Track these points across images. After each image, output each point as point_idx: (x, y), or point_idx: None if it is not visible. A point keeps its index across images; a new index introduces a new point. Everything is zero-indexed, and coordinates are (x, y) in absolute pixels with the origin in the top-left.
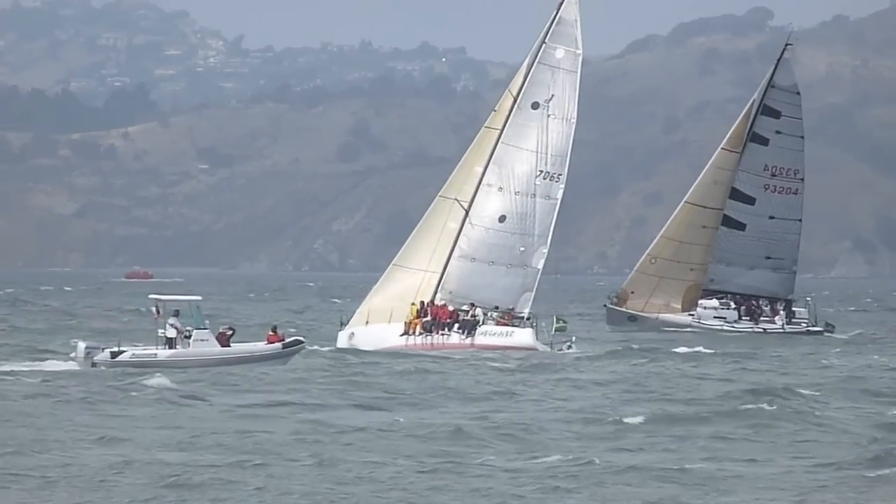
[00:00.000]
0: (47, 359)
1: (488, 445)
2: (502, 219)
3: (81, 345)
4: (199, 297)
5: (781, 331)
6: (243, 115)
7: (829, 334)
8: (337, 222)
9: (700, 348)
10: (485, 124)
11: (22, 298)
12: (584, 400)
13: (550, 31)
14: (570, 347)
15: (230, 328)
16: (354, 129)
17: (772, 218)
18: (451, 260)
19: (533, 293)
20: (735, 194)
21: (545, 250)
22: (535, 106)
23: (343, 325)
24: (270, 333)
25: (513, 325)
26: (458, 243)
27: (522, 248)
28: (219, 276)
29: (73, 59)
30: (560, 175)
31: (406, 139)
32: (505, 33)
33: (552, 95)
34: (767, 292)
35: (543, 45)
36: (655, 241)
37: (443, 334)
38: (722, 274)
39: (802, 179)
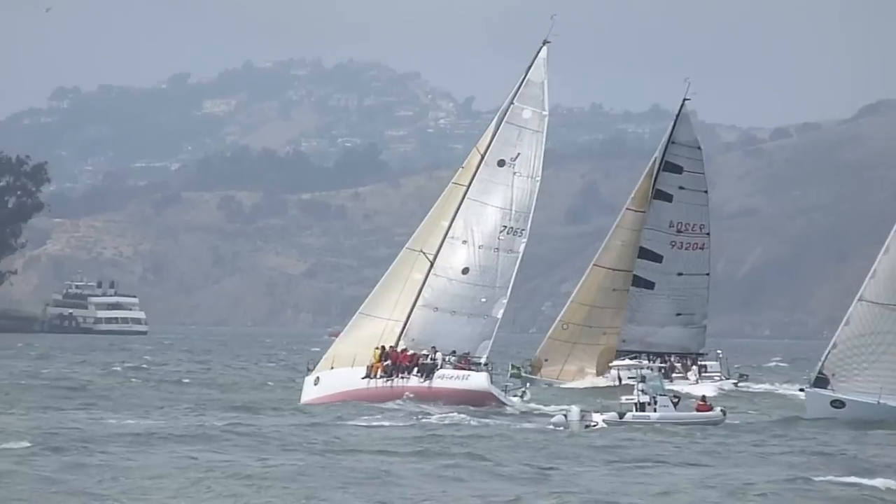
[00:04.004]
0: None
1: None
2: (465, 271)
3: (575, 409)
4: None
5: (695, 385)
6: None
7: (743, 384)
8: (566, 284)
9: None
10: (452, 180)
11: None
12: None
13: (518, 93)
14: (524, 395)
15: (676, 396)
16: (584, 190)
17: (680, 274)
18: (414, 309)
19: (491, 341)
20: (643, 253)
21: (505, 301)
22: (501, 163)
23: (310, 370)
24: (700, 402)
25: (469, 370)
26: (421, 293)
27: (484, 299)
28: None
29: (304, 119)
30: (523, 230)
31: None
32: (736, 96)
33: (518, 154)
34: (679, 348)
35: (511, 105)
36: (566, 306)
37: (402, 377)
38: (633, 334)
39: (708, 234)
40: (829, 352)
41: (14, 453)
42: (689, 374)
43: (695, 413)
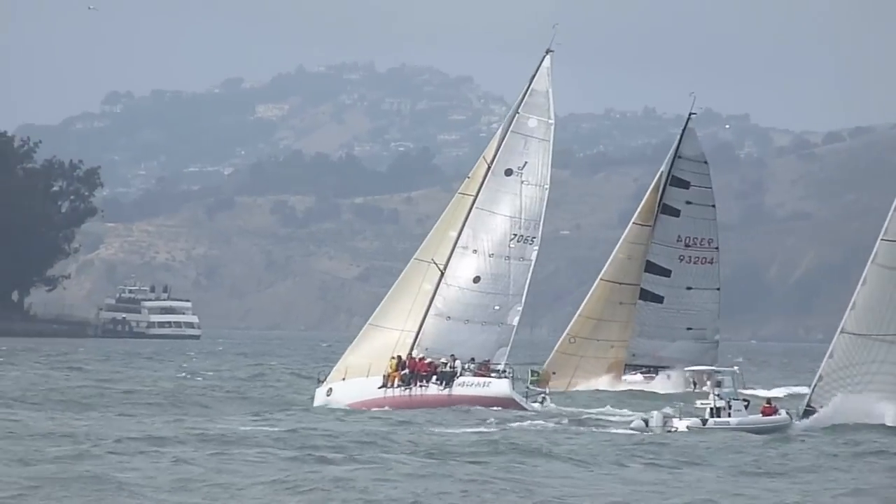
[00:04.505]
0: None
1: None
2: (477, 279)
3: (657, 414)
4: (736, 369)
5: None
6: None
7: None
8: None
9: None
10: (458, 191)
11: None
12: None
13: (523, 102)
14: (543, 401)
15: (745, 400)
16: (637, 194)
17: (689, 289)
18: (426, 318)
19: (508, 348)
20: (650, 267)
21: (520, 308)
22: (509, 173)
23: (320, 381)
24: (765, 406)
25: (489, 377)
26: (433, 302)
27: (498, 307)
28: None
29: (356, 123)
30: (534, 238)
31: None
32: (789, 100)
33: (525, 163)
34: (690, 363)
35: (517, 114)
36: (574, 320)
37: (421, 386)
38: (644, 348)
39: (717, 248)
40: (815, 385)
41: (94, 457)
42: (703, 388)
43: (770, 418)
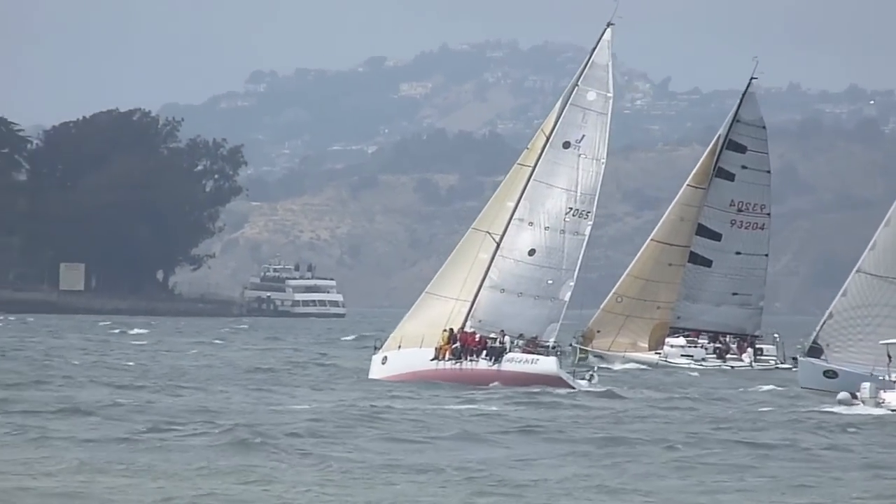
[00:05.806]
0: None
1: None
2: (532, 252)
3: (869, 385)
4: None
5: (749, 368)
6: (670, 157)
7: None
8: None
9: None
10: (517, 161)
11: None
12: None
13: (583, 75)
14: (592, 378)
15: None
16: (781, 171)
17: (738, 254)
18: (481, 290)
19: (558, 324)
20: (701, 230)
21: (572, 283)
22: (567, 145)
23: (377, 349)
24: None
25: (538, 354)
26: (488, 274)
27: (551, 281)
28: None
29: (500, 101)
30: (589, 213)
31: (833, 182)
32: None
33: (583, 136)
34: (734, 329)
35: (576, 87)
36: (622, 279)
37: (471, 360)
38: (688, 311)
39: (769, 214)
40: (824, 322)
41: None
42: (744, 355)
43: None
